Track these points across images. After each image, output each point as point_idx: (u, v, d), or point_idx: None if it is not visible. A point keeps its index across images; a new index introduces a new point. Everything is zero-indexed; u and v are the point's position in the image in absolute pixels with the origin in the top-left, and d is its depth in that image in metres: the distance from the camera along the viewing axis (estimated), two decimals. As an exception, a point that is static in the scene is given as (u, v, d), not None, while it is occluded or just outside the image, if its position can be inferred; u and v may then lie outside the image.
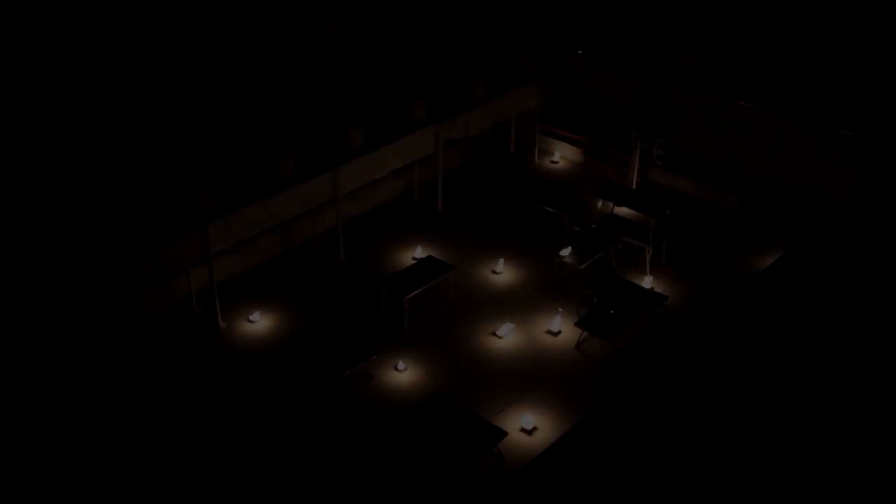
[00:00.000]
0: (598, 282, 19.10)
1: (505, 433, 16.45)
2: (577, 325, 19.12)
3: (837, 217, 12.64)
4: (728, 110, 24.63)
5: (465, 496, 15.89)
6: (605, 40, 26.81)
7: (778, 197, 24.05)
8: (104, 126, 19.15)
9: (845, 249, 10.70)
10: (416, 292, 19.72)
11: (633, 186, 24.74)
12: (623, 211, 23.30)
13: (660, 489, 7.56)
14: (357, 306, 20.47)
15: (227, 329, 19.77)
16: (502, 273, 21.63)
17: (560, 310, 19.58)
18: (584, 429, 8.50)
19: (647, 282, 20.84)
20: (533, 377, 18.43)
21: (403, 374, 18.52)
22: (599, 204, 23.53)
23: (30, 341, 17.33)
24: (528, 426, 17.14)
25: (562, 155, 26.80)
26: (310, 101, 22.52)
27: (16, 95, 17.63)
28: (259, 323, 19.96)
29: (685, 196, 24.74)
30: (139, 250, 18.20)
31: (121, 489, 15.94)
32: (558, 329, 19.65)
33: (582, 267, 20.71)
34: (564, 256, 20.90)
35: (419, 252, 22.06)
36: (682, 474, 7.71)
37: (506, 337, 19.49)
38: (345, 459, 16.61)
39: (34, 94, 17.88)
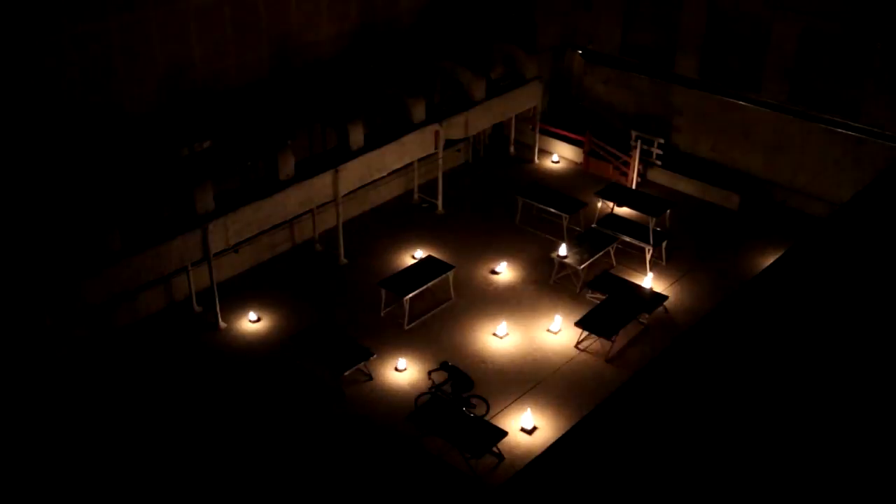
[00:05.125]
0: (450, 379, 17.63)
1: (505, 433, 16.45)
2: (577, 324, 19.12)
3: (837, 217, 12.64)
4: (728, 110, 24.63)
5: (465, 496, 15.88)
6: (605, 40, 26.80)
7: (778, 197, 24.05)
8: (105, 126, 19.14)
9: (845, 249, 10.70)
10: (416, 292, 19.71)
11: (633, 186, 24.74)
12: (623, 211, 23.29)
13: (660, 489, 7.55)
14: (357, 306, 20.46)
15: (227, 329, 19.77)
16: (502, 273, 21.63)
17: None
18: (584, 429, 8.48)
19: (647, 282, 20.84)
20: (533, 377, 18.42)
21: (403, 374, 18.52)
22: (599, 204, 23.52)
23: (30, 340, 17.33)
24: (527, 426, 17.15)
25: (562, 155, 26.80)
26: (310, 101, 22.51)
27: (14, 95, 17.63)
28: (259, 323, 19.96)
29: (685, 196, 24.74)
30: (139, 250, 18.20)
31: (121, 488, 15.94)
32: (558, 329, 19.65)
33: (581, 267, 20.72)
34: (564, 256, 20.92)
35: (419, 252, 22.07)
36: (683, 474, 7.70)
37: (505, 337, 19.50)
38: (344, 459, 16.60)
39: (34, 94, 17.88)
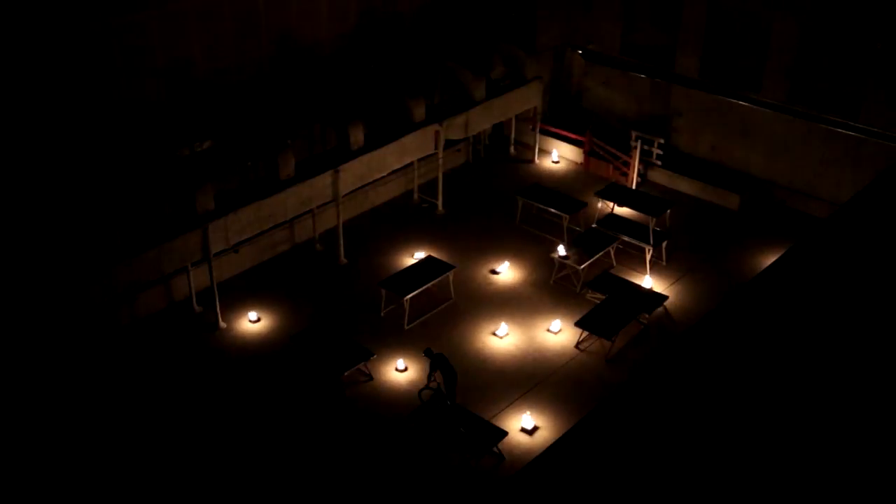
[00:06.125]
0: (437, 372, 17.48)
1: (505, 433, 16.45)
2: (577, 324, 19.12)
3: (837, 217, 12.64)
4: (728, 110, 24.63)
5: (465, 496, 15.88)
6: (605, 40, 26.79)
7: (778, 197, 24.04)
8: (105, 127, 19.14)
9: (846, 249, 10.70)
10: (416, 292, 19.71)
11: (633, 186, 24.73)
12: (623, 211, 23.29)
13: (660, 489, 7.56)
14: (357, 306, 20.46)
15: (227, 329, 19.77)
16: (502, 273, 21.63)
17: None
18: (584, 429, 8.48)
19: (647, 282, 20.84)
20: (533, 377, 18.42)
21: (403, 374, 18.52)
22: (599, 204, 23.52)
23: (31, 341, 17.32)
24: (528, 426, 17.15)
25: (562, 155, 26.80)
26: (310, 101, 22.51)
27: (17, 96, 17.64)
28: (259, 323, 19.96)
29: (685, 196, 24.73)
30: (139, 250, 18.20)
31: (121, 488, 15.94)
32: (558, 329, 19.64)
33: (582, 267, 20.72)
34: (564, 256, 20.93)
35: (419, 252, 22.06)
36: (683, 474, 7.71)
37: (505, 337, 19.50)
38: (344, 459, 16.60)
39: (35, 95, 17.88)
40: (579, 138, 26.26)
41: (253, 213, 19.78)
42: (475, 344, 19.36)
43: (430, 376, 17.64)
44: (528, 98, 25.81)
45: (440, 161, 23.82)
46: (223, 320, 19.83)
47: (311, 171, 20.80)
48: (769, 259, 20.11)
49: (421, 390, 17.77)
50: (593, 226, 22.36)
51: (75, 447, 16.68)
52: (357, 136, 21.61)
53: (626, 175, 25.00)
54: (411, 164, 23.92)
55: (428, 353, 17.51)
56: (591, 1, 26.70)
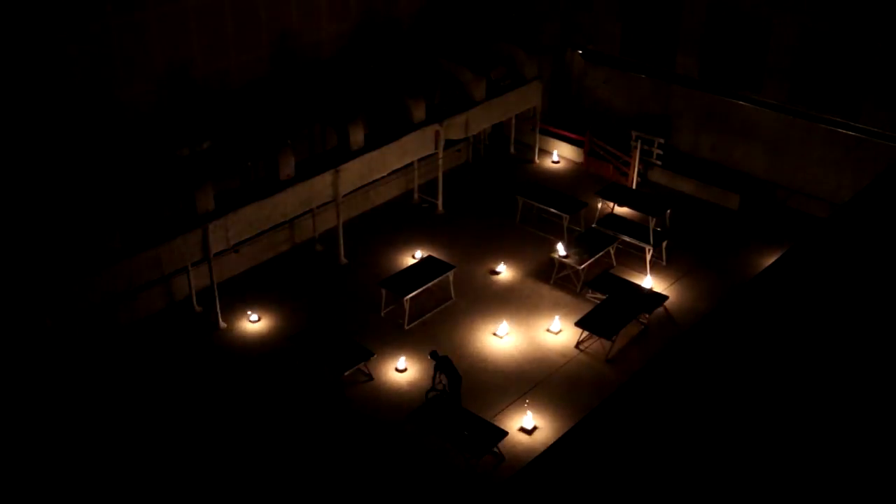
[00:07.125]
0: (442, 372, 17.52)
1: (505, 433, 16.45)
2: (577, 324, 19.11)
3: (838, 217, 12.64)
4: (728, 110, 24.62)
5: (465, 496, 15.88)
6: (605, 40, 26.79)
7: (778, 197, 24.04)
8: (105, 126, 19.14)
9: (845, 249, 10.70)
10: (416, 292, 19.71)
11: (634, 186, 24.73)
12: (623, 211, 23.29)
13: (660, 489, 7.56)
14: (357, 306, 20.46)
15: (227, 329, 19.76)
16: (502, 273, 21.63)
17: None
18: (584, 429, 8.49)
19: (647, 282, 20.83)
20: (533, 377, 18.42)
21: (403, 374, 18.52)
22: (599, 204, 23.52)
23: (31, 341, 17.32)
24: (528, 426, 17.15)
25: (562, 155, 26.80)
26: (310, 101, 22.50)
27: (15, 96, 17.64)
28: (259, 323, 19.96)
29: (685, 196, 24.73)
30: (139, 250, 18.20)
31: (121, 487, 15.94)
32: (558, 329, 19.64)
33: (582, 267, 20.72)
34: (564, 256, 20.93)
35: (419, 252, 22.06)
36: (682, 474, 7.71)
37: (505, 337, 19.50)
38: (344, 459, 16.60)
39: (35, 96, 17.88)
40: (579, 138, 26.26)
41: (253, 213, 19.78)
42: (475, 344, 19.36)
43: (434, 378, 17.65)
44: (528, 98, 25.81)
45: (440, 161, 23.81)
46: (223, 320, 19.83)
47: (311, 171, 20.80)
48: (769, 259, 20.11)
49: (427, 391, 17.77)
50: (593, 226, 22.36)
51: (76, 447, 16.67)
52: (357, 136, 21.60)
53: (626, 175, 25.00)
54: (411, 164, 23.92)
55: (433, 356, 17.51)
56: (591, 1, 26.70)
